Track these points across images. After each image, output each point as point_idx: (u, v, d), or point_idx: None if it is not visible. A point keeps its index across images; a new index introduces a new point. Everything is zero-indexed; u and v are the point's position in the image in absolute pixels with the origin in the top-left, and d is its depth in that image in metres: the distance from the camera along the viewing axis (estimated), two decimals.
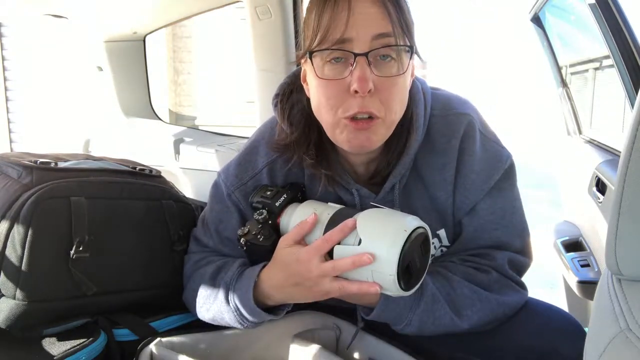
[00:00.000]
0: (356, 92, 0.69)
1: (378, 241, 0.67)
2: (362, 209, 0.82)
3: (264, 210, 0.81)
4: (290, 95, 0.85)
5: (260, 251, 0.80)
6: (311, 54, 0.72)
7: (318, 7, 0.71)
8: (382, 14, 0.69)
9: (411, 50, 0.71)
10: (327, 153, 0.81)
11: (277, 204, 0.80)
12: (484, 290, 0.78)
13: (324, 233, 0.73)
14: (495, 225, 0.82)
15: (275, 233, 0.80)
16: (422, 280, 0.72)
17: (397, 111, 0.74)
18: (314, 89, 0.75)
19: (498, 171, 0.81)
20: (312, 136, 0.81)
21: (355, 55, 0.68)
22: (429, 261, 0.72)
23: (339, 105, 0.71)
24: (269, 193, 0.82)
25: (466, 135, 0.81)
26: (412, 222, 0.69)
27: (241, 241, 0.81)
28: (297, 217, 0.78)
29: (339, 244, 0.70)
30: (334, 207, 0.77)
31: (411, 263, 0.68)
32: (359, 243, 0.68)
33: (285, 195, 0.82)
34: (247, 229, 0.81)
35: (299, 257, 0.71)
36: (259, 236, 0.79)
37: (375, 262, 0.66)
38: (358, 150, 0.75)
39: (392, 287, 0.67)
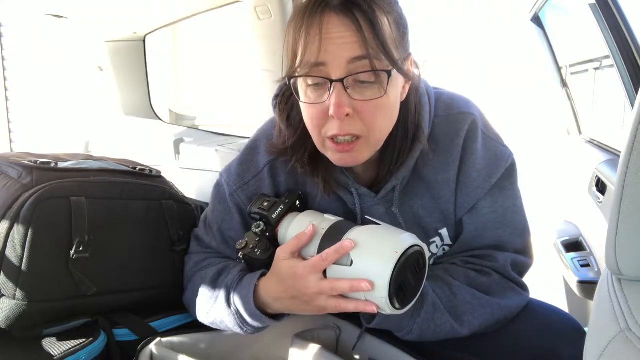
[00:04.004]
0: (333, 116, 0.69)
1: (369, 263, 0.67)
2: (362, 209, 0.82)
3: (261, 223, 0.81)
4: (290, 97, 0.85)
5: (258, 264, 0.80)
6: (290, 79, 0.72)
7: (294, 32, 0.70)
8: (356, 37, 0.66)
9: (389, 73, 0.68)
10: (323, 157, 0.81)
11: (273, 215, 0.80)
12: (485, 294, 0.78)
13: (319, 246, 0.73)
14: (497, 224, 0.82)
15: (273, 244, 0.80)
16: (417, 296, 0.71)
17: (383, 129, 0.74)
18: (302, 108, 0.76)
19: (499, 170, 0.81)
20: (308, 143, 0.80)
21: (331, 81, 0.68)
22: (425, 277, 0.71)
23: (322, 126, 0.72)
24: (266, 204, 0.82)
25: (469, 134, 0.81)
26: (404, 242, 0.67)
27: (239, 255, 0.81)
28: (294, 229, 0.78)
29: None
30: (330, 220, 0.76)
31: (404, 283, 0.67)
32: (351, 264, 0.68)
33: (282, 207, 0.82)
34: (244, 242, 0.81)
35: (296, 271, 0.71)
36: (256, 250, 0.80)
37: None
38: (346, 166, 0.77)
39: (385, 308, 0.66)
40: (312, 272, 0.70)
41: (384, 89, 0.69)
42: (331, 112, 0.68)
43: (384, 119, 0.73)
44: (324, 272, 0.70)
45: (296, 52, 0.70)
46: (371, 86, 0.69)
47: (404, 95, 0.77)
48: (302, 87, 0.73)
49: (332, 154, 0.75)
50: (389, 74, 0.68)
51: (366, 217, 0.79)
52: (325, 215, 0.79)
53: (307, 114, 0.74)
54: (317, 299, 0.70)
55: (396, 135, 0.78)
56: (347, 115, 0.69)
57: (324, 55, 0.67)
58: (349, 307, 0.69)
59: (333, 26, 0.66)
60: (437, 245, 0.86)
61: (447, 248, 0.86)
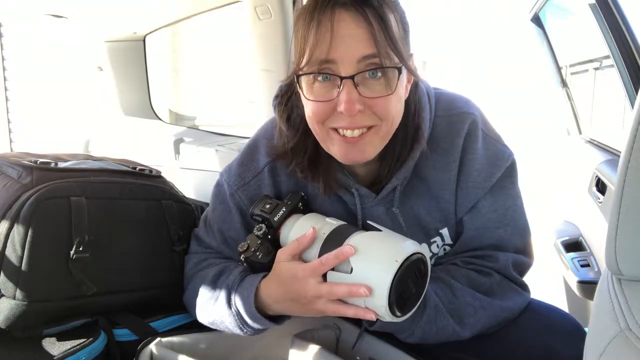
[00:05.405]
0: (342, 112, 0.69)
1: (368, 271, 0.66)
2: (362, 209, 0.82)
3: (262, 225, 0.81)
4: (290, 98, 0.84)
5: (259, 268, 0.80)
6: (298, 76, 0.72)
7: (303, 28, 0.69)
8: (367, 34, 0.66)
9: (399, 70, 0.69)
10: (323, 159, 0.81)
11: (275, 218, 0.80)
12: (486, 295, 0.78)
13: (320, 250, 0.73)
14: (497, 223, 0.82)
15: (275, 247, 0.80)
16: (418, 303, 0.70)
17: (395, 120, 0.74)
18: (305, 106, 0.75)
19: (500, 169, 0.81)
20: (308, 145, 0.80)
21: (342, 78, 0.68)
22: (427, 284, 0.70)
23: (325, 119, 0.72)
24: (268, 206, 0.81)
25: (469, 134, 0.81)
26: (405, 250, 0.66)
27: (241, 257, 0.81)
28: (296, 232, 0.78)
29: (332, 269, 0.70)
30: (331, 224, 0.76)
31: (405, 291, 0.67)
32: (351, 271, 0.67)
33: (284, 209, 0.81)
34: (246, 245, 0.80)
35: (296, 274, 0.71)
36: (257, 253, 0.79)
37: None
38: (352, 163, 0.76)
39: (385, 316, 0.66)
40: (311, 275, 0.70)
41: (393, 86, 0.69)
42: (341, 108, 0.68)
43: (394, 112, 0.73)
44: (325, 277, 0.70)
45: (304, 49, 0.69)
46: (380, 81, 0.69)
47: (407, 94, 0.77)
48: (308, 83, 0.72)
49: (338, 149, 0.74)
50: (399, 70, 0.69)
51: (368, 222, 0.78)
52: (327, 219, 0.78)
53: (312, 109, 0.73)
54: (316, 302, 0.70)
55: (397, 135, 0.78)
56: (358, 111, 0.69)
57: (334, 53, 0.67)
58: (348, 312, 0.68)
59: (344, 23, 0.67)
60: (437, 245, 0.86)
61: (447, 248, 0.86)
